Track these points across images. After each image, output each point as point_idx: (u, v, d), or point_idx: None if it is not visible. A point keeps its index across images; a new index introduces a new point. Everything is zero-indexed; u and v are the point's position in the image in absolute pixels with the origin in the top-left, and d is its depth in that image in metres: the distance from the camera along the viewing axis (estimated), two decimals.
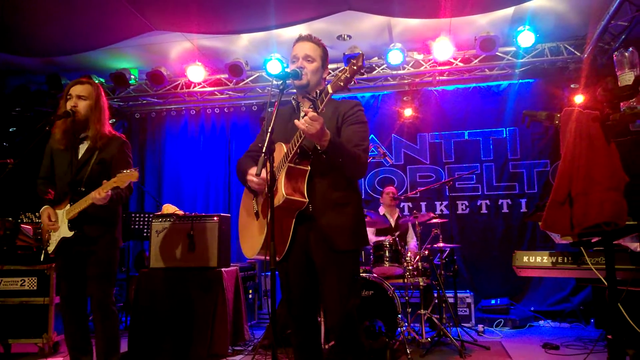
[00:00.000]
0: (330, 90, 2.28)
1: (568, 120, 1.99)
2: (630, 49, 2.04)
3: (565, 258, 2.90)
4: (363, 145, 2.55)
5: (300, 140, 2.39)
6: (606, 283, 2.64)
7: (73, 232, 3.27)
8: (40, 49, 6.14)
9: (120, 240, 3.53)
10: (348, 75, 2.22)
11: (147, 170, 8.01)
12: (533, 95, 6.85)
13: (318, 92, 2.37)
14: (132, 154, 8.04)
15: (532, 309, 6.35)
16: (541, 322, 6.16)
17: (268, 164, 2.23)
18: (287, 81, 2.46)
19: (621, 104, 1.95)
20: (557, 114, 2.10)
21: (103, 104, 3.47)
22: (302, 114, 2.65)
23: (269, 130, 2.23)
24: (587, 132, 1.93)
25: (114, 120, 7.75)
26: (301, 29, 5.80)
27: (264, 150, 2.19)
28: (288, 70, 2.58)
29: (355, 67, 2.21)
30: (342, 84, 2.24)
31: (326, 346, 4.20)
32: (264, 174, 2.27)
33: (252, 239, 2.68)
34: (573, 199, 1.96)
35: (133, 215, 6.31)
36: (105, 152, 3.39)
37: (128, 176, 3.11)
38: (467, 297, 5.99)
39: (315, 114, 2.25)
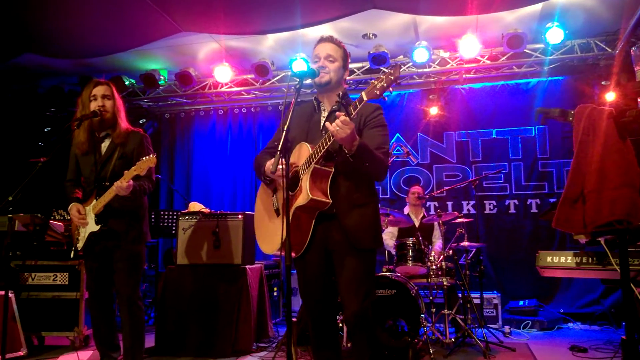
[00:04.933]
0: (365, 98, 2.33)
1: (582, 117, 1.96)
2: None
3: (590, 258, 2.86)
4: (384, 149, 2.61)
5: (329, 143, 2.42)
6: (631, 284, 2.58)
7: (99, 225, 3.36)
8: (72, 51, 6.32)
9: (147, 235, 3.59)
10: (385, 85, 2.26)
11: (177, 169, 8.15)
12: (563, 92, 6.70)
13: (341, 94, 2.43)
14: (162, 154, 8.19)
15: (561, 310, 6.22)
16: (570, 325, 6.03)
17: (283, 163, 2.26)
18: (304, 80, 2.50)
19: (639, 99, 1.91)
20: (571, 110, 2.07)
21: (121, 100, 3.60)
22: (323, 113, 2.70)
23: (285, 128, 2.27)
24: (601, 128, 1.90)
25: (144, 120, 7.92)
26: (326, 29, 5.82)
27: (279, 149, 2.23)
28: (302, 69, 2.63)
29: (392, 77, 2.25)
30: (377, 92, 2.28)
31: (348, 344, 4.21)
32: (279, 171, 2.31)
33: (271, 235, 2.72)
34: (586, 196, 1.92)
35: (162, 213, 6.46)
36: (127, 147, 3.49)
37: (146, 162, 3.18)
38: (494, 298, 5.90)
39: (346, 118, 2.29)
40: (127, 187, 3.21)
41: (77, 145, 3.50)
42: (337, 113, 2.33)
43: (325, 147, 2.44)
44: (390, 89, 2.26)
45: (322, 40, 2.77)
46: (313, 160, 2.48)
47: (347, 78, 2.82)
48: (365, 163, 2.46)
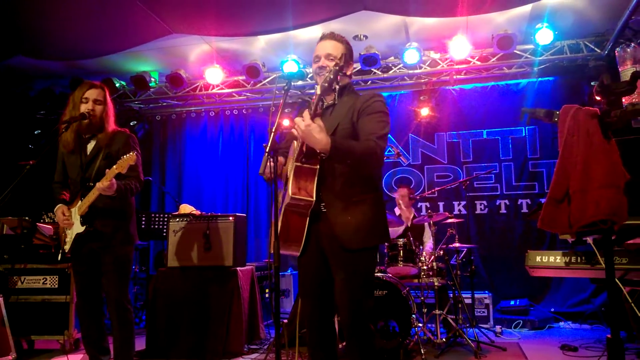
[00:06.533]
0: (318, 92, 2.32)
1: (566, 117, 1.97)
2: (633, 44, 2.00)
3: (579, 258, 2.87)
4: (377, 134, 2.45)
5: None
6: (620, 283, 2.60)
7: (85, 226, 3.35)
8: (63, 52, 6.29)
9: (135, 236, 3.57)
10: (331, 76, 2.28)
11: (168, 171, 8.13)
12: (552, 93, 6.75)
13: (337, 89, 2.42)
14: (153, 156, 8.15)
15: (552, 310, 6.26)
16: (561, 324, 6.06)
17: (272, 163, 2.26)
18: (292, 82, 2.49)
19: (623, 100, 1.92)
20: (556, 111, 2.08)
21: (112, 105, 3.60)
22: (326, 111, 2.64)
23: (273, 129, 2.26)
24: (585, 128, 1.91)
25: (135, 122, 7.88)
26: (317, 30, 5.82)
27: (267, 150, 2.22)
28: (292, 70, 2.62)
29: (337, 67, 2.29)
30: (326, 84, 2.29)
31: (340, 345, 4.21)
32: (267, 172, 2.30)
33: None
34: (571, 196, 1.94)
35: (153, 215, 6.44)
36: (112, 147, 3.47)
37: (126, 160, 3.16)
38: (486, 297, 5.93)
39: (300, 118, 2.24)
40: (109, 187, 3.19)
41: (63, 143, 3.50)
42: (304, 114, 2.27)
43: (302, 144, 2.37)
44: (338, 82, 2.30)
45: (323, 37, 2.69)
46: (294, 158, 2.44)
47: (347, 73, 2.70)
48: (346, 161, 2.37)
